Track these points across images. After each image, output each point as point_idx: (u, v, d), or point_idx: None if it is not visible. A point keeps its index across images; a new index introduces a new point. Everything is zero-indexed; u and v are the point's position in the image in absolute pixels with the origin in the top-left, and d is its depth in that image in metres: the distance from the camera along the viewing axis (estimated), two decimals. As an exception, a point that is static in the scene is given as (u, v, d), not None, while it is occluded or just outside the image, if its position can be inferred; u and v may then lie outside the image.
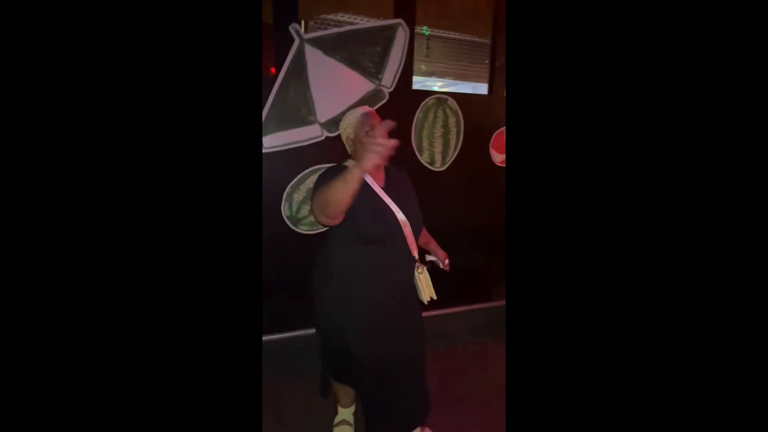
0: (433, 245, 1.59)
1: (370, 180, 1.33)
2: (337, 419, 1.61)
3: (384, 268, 1.31)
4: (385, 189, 1.34)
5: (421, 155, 2.41)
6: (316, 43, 2.07)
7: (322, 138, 2.16)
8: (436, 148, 2.46)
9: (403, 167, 1.52)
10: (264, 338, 2.11)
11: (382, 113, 2.35)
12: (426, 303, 1.38)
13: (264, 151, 2.07)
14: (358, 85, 2.18)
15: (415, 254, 1.36)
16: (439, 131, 2.43)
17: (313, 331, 1.98)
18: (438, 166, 2.45)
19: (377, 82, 2.22)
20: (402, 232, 1.30)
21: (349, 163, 1.34)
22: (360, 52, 2.16)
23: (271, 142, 2.07)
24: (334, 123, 2.16)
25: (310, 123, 2.12)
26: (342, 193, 1.08)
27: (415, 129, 2.36)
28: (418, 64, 2.34)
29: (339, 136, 2.25)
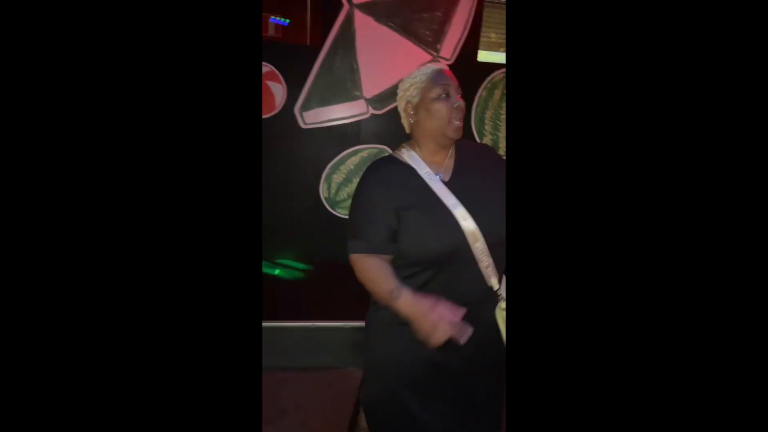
0: None
1: (424, 171, 0.89)
2: None
3: (444, 294, 0.84)
4: (451, 182, 0.89)
5: (481, 140, 2.09)
6: (367, 8, 1.86)
7: (368, 116, 1.96)
8: (501, 132, 2.11)
9: (483, 144, 1.09)
10: (292, 324, 2.02)
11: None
12: None
13: (304, 127, 1.95)
14: (412, 56, 1.93)
15: (494, 281, 0.87)
16: (506, 113, 2.09)
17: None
18: (502, 154, 2.11)
19: (434, 53, 1.95)
20: (469, 248, 0.84)
21: (402, 150, 0.93)
22: (417, 18, 1.90)
23: (312, 118, 1.94)
24: (380, 99, 1.96)
25: (355, 98, 1.94)
26: (370, 283, 0.87)
27: (476, 109, 2.05)
28: (488, 33, 2.01)
29: (386, 114, 2.05)
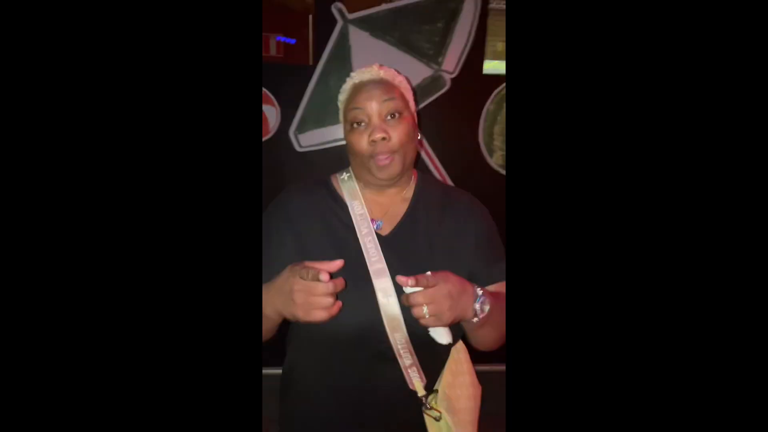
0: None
1: (358, 213, 0.66)
2: None
3: (348, 402, 0.64)
4: (390, 236, 0.67)
5: (492, 156, 1.94)
6: (362, 23, 1.76)
7: (367, 136, 1.84)
8: (513, 148, 1.96)
9: (458, 190, 0.77)
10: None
11: (443, 105, 1.97)
12: None
13: (300, 150, 1.83)
14: (412, 71, 1.81)
15: (418, 385, 0.63)
16: (517, 126, 1.93)
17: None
18: (514, 171, 1.95)
19: (436, 67, 1.82)
20: (386, 337, 0.62)
21: (344, 176, 0.72)
22: (416, 30, 1.78)
23: (308, 140, 1.83)
24: (380, 118, 1.84)
25: (353, 118, 1.82)
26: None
27: (484, 123, 1.90)
28: (494, 42, 1.87)
29: (387, 133, 1.93)
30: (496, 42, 1.89)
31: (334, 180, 0.72)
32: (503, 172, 1.94)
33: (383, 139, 0.64)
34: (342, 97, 0.71)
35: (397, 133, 0.65)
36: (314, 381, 0.66)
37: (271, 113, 1.82)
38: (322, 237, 0.66)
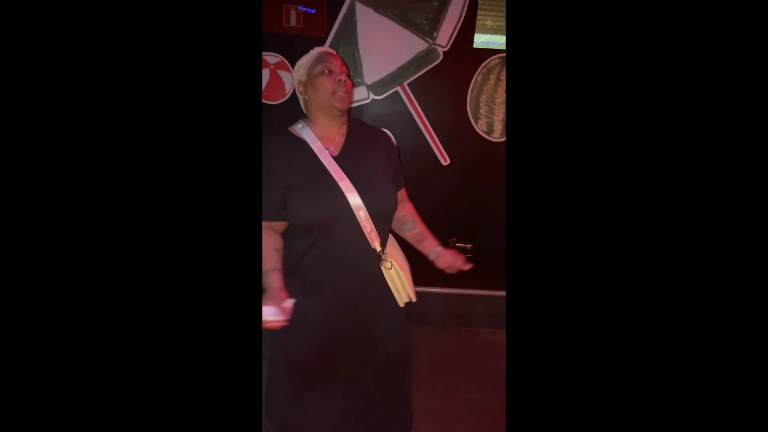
0: (428, 243, 1.10)
1: (316, 146, 0.97)
2: None
3: (330, 264, 0.98)
4: (339, 157, 0.98)
5: (477, 123, 2.21)
6: (367, 0, 2.01)
7: (368, 100, 2.13)
8: (497, 116, 2.23)
9: (375, 127, 1.07)
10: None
11: (437, 75, 2.22)
12: (402, 305, 1.05)
13: (311, 112, 2.14)
14: (409, 44, 2.07)
15: (377, 245, 0.98)
16: (501, 96, 2.19)
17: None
18: (497, 136, 2.23)
19: (431, 41, 2.08)
20: (354, 217, 0.94)
21: (298, 126, 1.02)
22: (413, 8, 2.03)
23: (318, 103, 2.13)
24: (380, 85, 2.12)
25: (357, 85, 2.10)
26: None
27: (472, 93, 2.17)
28: (484, 19, 2.10)
29: (385, 99, 2.20)
30: (486, 20, 2.12)
31: (293, 130, 1.03)
32: (486, 136, 2.21)
33: (345, 81, 0.97)
34: (308, 59, 1.00)
35: (348, 84, 0.99)
36: (313, 247, 0.99)
37: (287, 79, 2.11)
38: (297, 167, 0.97)
